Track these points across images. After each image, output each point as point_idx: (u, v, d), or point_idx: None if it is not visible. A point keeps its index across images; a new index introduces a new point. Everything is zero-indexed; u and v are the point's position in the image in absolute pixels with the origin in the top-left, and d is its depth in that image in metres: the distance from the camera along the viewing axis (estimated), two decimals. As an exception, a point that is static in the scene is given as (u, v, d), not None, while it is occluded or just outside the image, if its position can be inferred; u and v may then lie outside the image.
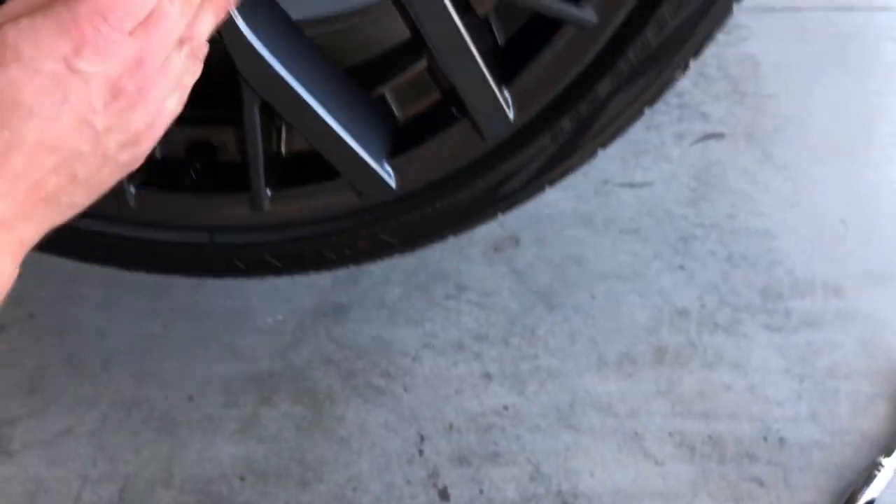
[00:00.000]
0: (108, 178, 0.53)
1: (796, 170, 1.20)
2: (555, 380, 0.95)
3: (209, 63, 0.59)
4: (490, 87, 0.71)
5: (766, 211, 1.14)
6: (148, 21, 0.51)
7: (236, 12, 0.64)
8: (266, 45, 0.66)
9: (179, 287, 1.03)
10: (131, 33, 0.50)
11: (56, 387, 0.96)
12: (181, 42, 0.54)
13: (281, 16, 0.71)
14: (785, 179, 1.18)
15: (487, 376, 0.96)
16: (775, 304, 1.03)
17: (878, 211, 1.14)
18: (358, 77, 0.79)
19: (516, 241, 1.09)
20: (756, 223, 1.12)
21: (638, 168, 1.18)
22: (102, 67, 0.49)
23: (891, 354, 0.97)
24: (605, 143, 0.77)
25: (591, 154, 0.78)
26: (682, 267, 1.06)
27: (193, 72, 0.57)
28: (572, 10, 0.65)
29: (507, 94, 0.72)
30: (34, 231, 0.50)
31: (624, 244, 1.09)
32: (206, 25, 0.57)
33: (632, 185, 1.16)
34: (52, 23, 0.48)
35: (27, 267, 0.50)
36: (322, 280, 1.05)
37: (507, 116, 0.73)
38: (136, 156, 0.54)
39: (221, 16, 0.59)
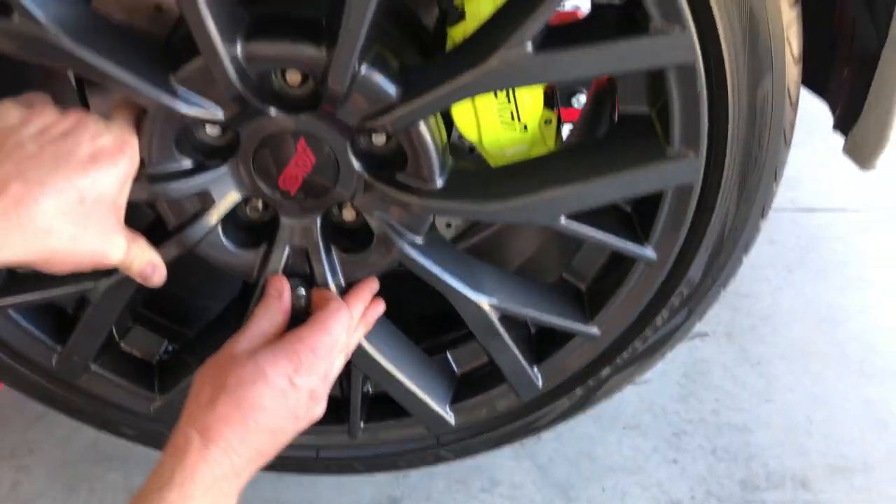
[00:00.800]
0: (288, 441, 0.83)
1: (768, 367, 1.45)
2: (574, 568, 1.18)
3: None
4: (523, 366, 0.97)
5: (744, 406, 1.39)
6: (333, 347, 0.82)
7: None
8: (371, 343, 0.94)
9: (265, 479, 1.27)
10: (324, 357, 0.80)
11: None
12: (341, 350, 0.86)
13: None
14: (759, 376, 1.44)
15: (519, 565, 1.19)
16: (753, 496, 1.26)
17: (838, 407, 1.38)
18: (424, 332, 1.06)
19: (538, 436, 1.34)
20: (736, 418, 1.37)
21: (637, 367, 1.44)
22: (309, 381, 0.80)
23: (849, 546, 1.20)
24: (607, 399, 1.03)
25: (597, 405, 1.04)
26: (675, 461, 1.30)
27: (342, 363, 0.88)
28: (583, 329, 0.92)
29: (536, 370, 0.99)
30: (250, 476, 0.79)
31: (627, 439, 1.33)
32: (358, 338, 0.91)
33: (632, 383, 1.41)
34: (283, 353, 0.80)
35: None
36: (378, 474, 1.29)
37: (536, 385, 0.99)
38: (310, 425, 0.84)
39: (367, 331, 0.91)
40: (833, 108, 0.91)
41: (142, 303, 1.01)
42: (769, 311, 1.54)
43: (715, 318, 1.53)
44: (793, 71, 0.73)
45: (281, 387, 0.78)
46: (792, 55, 0.72)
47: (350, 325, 0.87)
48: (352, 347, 0.90)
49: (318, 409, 0.83)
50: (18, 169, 0.68)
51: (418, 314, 1.06)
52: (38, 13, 0.68)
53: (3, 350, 0.95)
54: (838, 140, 0.87)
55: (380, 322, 0.98)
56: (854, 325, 1.52)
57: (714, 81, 0.71)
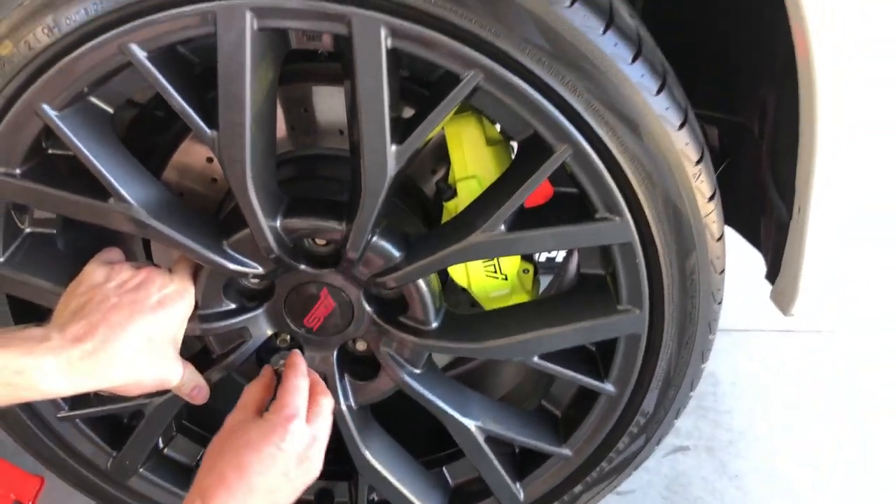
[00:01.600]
0: (295, 497, 0.93)
1: (745, 480, 1.57)
2: None
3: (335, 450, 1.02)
4: (506, 481, 1.12)
5: (721, 519, 1.51)
6: (314, 413, 0.95)
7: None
8: (376, 457, 1.10)
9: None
10: (308, 422, 0.93)
11: None
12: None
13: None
14: (736, 489, 1.56)
15: None
16: None
17: (809, 522, 1.50)
18: (423, 448, 1.21)
19: (530, 539, 1.46)
20: (713, 531, 1.49)
21: (623, 477, 1.57)
22: (294, 447, 0.92)
23: None
24: (582, 513, 1.18)
25: (573, 518, 1.18)
26: (654, 570, 1.42)
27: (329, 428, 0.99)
28: (557, 450, 1.08)
29: (518, 486, 1.13)
30: None
31: (611, 547, 1.45)
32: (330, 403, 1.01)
33: (618, 493, 1.53)
34: (268, 424, 0.92)
35: None
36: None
37: (518, 499, 1.14)
38: (309, 483, 0.95)
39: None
40: (765, 261, 1.09)
41: (185, 415, 1.18)
42: (747, 427, 1.67)
43: (696, 432, 1.66)
44: (715, 248, 0.92)
45: (270, 453, 0.90)
46: (712, 236, 0.90)
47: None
48: (328, 417, 0.99)
49: (312, 469, 0.94)
50: (104, 316, 0.88)
51: (418, 433, 1.22)
52: (128, 197, 0.90)
53: (68, 453, 1.13)
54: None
55: (384, 439, 1.14)
56: (829, 442, 1.64)
57: (650, 256, 0.90)
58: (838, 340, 1.87)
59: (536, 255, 1.13)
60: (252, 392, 0.99)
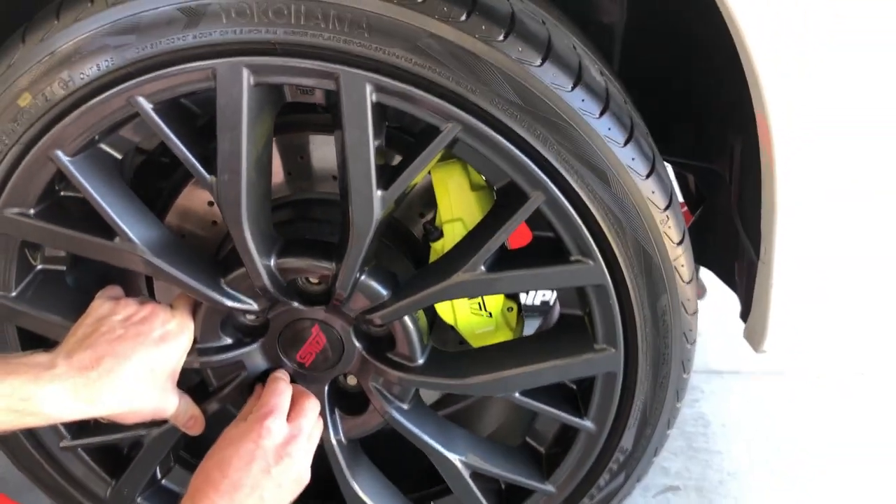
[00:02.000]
0: (286, 499, 0.97)
1: (736, 523, 1.59)
2: None
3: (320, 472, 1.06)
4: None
5: (709, 561, 1.52)
6: (295, 412, 1.00)
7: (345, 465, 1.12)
8: (366, 492, 1.13)
9: None
10: (289, 422, 0.98)
11: None
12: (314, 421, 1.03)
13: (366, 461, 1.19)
14: (726, 530, 1.57)
15: None
16: None
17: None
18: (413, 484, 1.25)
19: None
20: (701, 573, 1.49)
21: (614, 517, 1.58)
22: (270, 442, 0.96)
23: None
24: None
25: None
26: None
27: (318, 436, 1.04)
28: (540, 486, 1.11)
29: (500, 527, 1.17)
30: None
31: (600, 585, 1.46)
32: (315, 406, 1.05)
33: (608, 532, 1.56)
34: (246, 424, 0.98)
35: None
36: None
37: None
38: (300, 485, 0.99)
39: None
40: (740, 301, 1.14)
41: (183, 447, 1.23)
42: (737, 468, 1.69)
43: (686, 472, 1.68)
44: (685, 290, 0.96)
45: (248, 449, 0.95)
46: (682, 279, 0.95)
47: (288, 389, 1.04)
48: (311, 417, 1.03)
49: (294, 466, 0.97)
50: (110, 347, 0.94)
51: (409, 469, 1.25)
52: (133, 236, 0.96)
53: (69, 481, 1.17)
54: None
55: (373, 473, 1.18)
56: (819, 484, 1.66)
57: (622, 298, 0.95)
58: (828, 383, 1.89)
59: (523, 295, 1.17)
60: (247, 405, 1.05)
